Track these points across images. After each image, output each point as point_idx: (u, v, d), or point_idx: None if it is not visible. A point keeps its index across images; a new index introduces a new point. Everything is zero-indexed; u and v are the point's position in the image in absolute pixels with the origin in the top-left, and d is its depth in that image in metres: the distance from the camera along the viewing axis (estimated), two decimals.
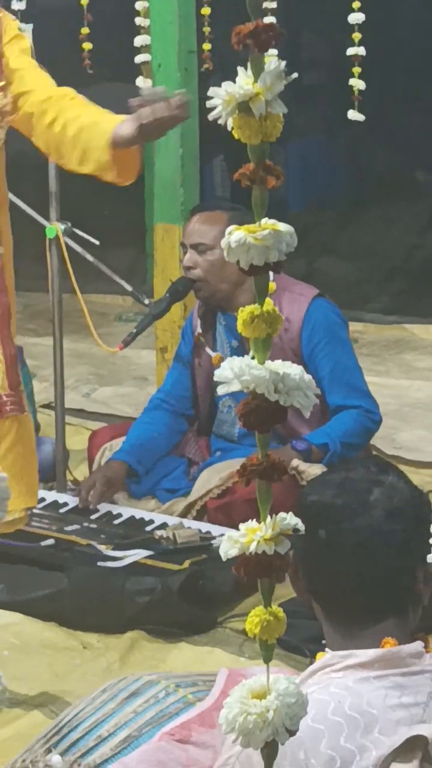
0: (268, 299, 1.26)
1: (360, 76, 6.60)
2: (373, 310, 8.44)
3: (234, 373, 1.22)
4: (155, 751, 3.07)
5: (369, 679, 2.73)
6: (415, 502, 2.86)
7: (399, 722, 2.69)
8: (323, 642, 2.90)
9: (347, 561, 2.81)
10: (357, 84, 6.59)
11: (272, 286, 5.08)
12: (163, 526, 5.12)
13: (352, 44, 6.58)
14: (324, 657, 2.78)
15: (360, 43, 6.58)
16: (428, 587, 2.84)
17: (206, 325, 5.52)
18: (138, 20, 6.62)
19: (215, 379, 1.25)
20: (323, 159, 9.00)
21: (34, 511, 5.27)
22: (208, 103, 1.22)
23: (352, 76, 6.60)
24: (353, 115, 6.65)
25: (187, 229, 5.49)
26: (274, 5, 6.96)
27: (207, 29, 7.34)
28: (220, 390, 1.21)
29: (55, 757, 3.07)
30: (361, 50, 6.58)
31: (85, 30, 7.05)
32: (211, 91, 1.22)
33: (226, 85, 1.21)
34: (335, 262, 8.69)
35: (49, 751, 3.12)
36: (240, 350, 5.12)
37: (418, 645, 2.78)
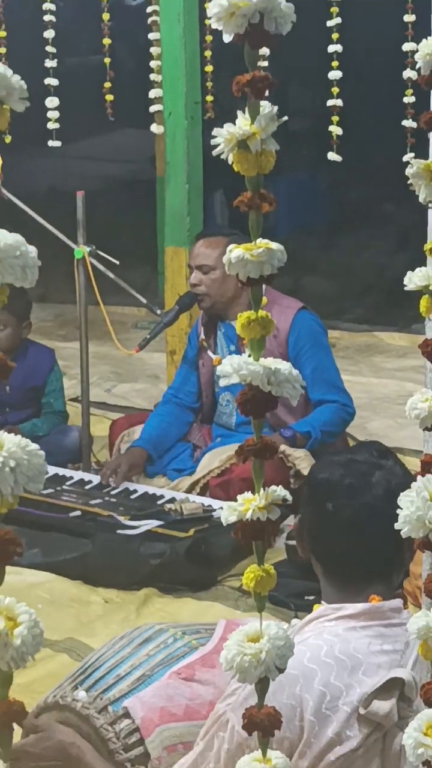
0: (267, 316, 1.26)
1: (338, 124, 6.61)
2: (348, 320, 8.45)
3: (234, 368, 1.22)
4: (165, 688, 3.06)
5: (356, 629, 2.72)
6: (408, 485, 2.86)
7: (380, 666, 2.69)
8: (305, 597, 2.91)
9: (348, 531, 2.81)
10: (335, 130, 6.60)
11: (264, 299, 5.06)
12: (172, 500, 5.11)
13: (332, 97, 6.59)
14: (319, 608, 2.78)
15: (338, 96, 6.59)
16: (410, 555, 2.84)
17: (208, 332, 5.53)
18: (152, 76, 6.62)
19: (218, 373, 1.25)
20: (307, 192, 8.98)
21: (64, 487, 5.28)
22: (213, 141, 1.22)
23: (332, 123, 6.61)
24: (332, 156, 6.65)
25: (192, 252, 5.50)
26: (265, 63, 6.97)
27: (209, 84, 7.33)
28: (222, 382, 1.21)
29: (81, 693, 3.06)
30: (338, 102, 6.59)
31: (107, 84, 7.05)
32: (216, 131, 1.22)
33: (228, 126, 1.21)
34: (317, 280, 8.67)
35: (75, 688, 3.10)
36: (237, 353, 5.11)
37: (397, 602, 2.78)
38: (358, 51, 6.65)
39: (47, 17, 6.85)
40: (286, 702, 2.55)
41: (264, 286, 1.29)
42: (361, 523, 2.83)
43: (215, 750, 2.56)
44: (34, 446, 1.05)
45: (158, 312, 6.07)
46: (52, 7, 6.82)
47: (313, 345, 5.31)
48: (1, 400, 5.91)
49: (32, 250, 1.03)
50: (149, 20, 6.73)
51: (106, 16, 7.04)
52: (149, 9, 6.69)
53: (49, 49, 6.83)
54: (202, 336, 5.53)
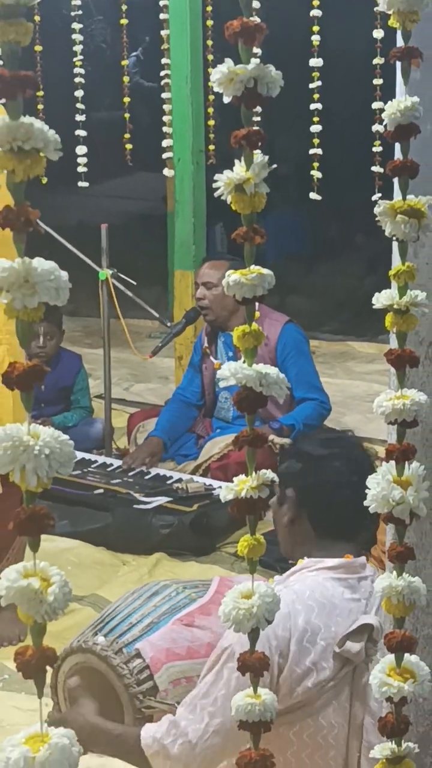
0: (258, 329, 1.26)
1: (318, 169, 6.62)
2: (326, 331, 8.44)
3: (231, 372, 1.22)
4: (169, 632, 3.07)
5: (333, 579, 2.74)
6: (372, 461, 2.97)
7: (351, 611, 2.69)
8: (289, 561, 2.91)
9: (340, 494, 2.85)
10: (316, 174, 6.60)
11: (257, 314, 5.08)
12: (179, 480, 5.11)
13: (313, 147, 6.58)
14: (303, 562, 2.79)
15: (318, 146, 6.58)
16: (375, 522, 2.86)
17: (211, 341, 5.55)
18: (164, 129, 6.62)
19: (218, 377, 1.25)
20: (291, 226, 8.96)
21: (89, 469, 5.28)
22: (215, 185, 1.22)
23: (313, 168, 6.61)
24: (313, 195, 6.64)
25: (199, 272, 5.52)
26: (258, 119, 6.97)
27: (212, 135, 7.32)
28: (221, 384, 1.22)
29: (100, 638, 3.06)
30: (319, 151, 6.58)
31: (127, 135, 7.04)
32: (217, 176, 1.22)
33: (227, 172, 1.21)
34: (299, 299, 8.65)
35: (95, 634, 3.10)
36: (234, 359, 5.11)
37: (363, 559, 2.81)
38: (335, 109, 6.63)
39: (77, 79, 6.86)
40: (280, 634, 2.57)
41: (257, 303, 1.29)
42: (350, 487, 2.89)
43: (225, 679, 2.54)
44: (65, 436, 1.05)
45: (168, 324, 6.10)
46: (82, 71, 6.83)
47: (297, 352, 5.35)
48: (38, 397, 5.85)
49: (64, 275, 1.03)
50: (162, 83, 6.73)
51: (126, 79, 7.04)
52: (162, 73, 6.69)
53: (79, 105, 6.84)
54: (206, 344, 5.56)
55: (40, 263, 1.01)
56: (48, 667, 1.07)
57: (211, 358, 5.52)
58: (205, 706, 2.56)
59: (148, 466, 5.33)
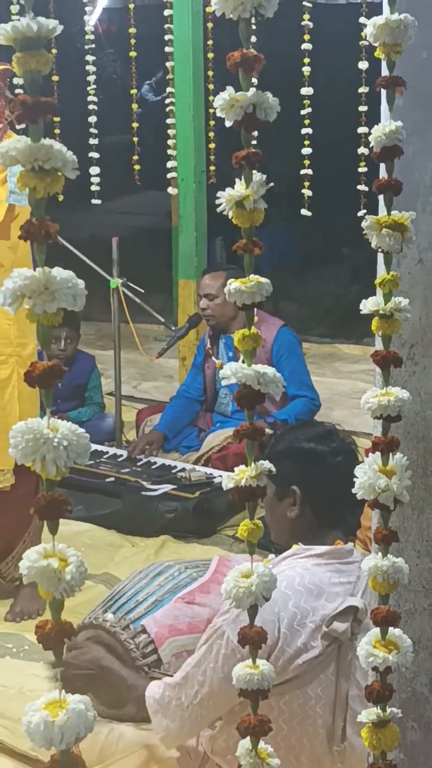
0: (256, 333, 1.26)
1: (309, 188, 6.60)
2: (315, 334, 8.44)
3: (232, 372, 1.22)
4: (172, 610, 3.08)
5: (321, 565, 2.73)
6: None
7: (338, 594, 2.69)
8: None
9: (343, 487, 2.85)
10: (307, 192, 6.59)
11: (255, 318, 5.10)
12: (183, 470, 5.11)
13: (304, 167, 6.58)
14: (294, 548, 2.78)
15: (309, 167, 6.58)
16: (361, 508, 2.87)
17: (213, 342, 5.56)
18: (169, 151, 6.61)
19: (220, 375, 1.26)
20: (285, 239, 8.98)
21: (102, 460, 5.28)
22: (217, 201, 1.22)
23: (304, 187, 6.60)
24: (304, 212, 6.63)
25: (201, 284, 5.54)
26: (255, 141, 6.97)
27: (212, 157, 7.32)
28: (223, 382, 1.22)
29: (109, 615, 3.07)
30: (309, 171, 6.58)
31: (135, 157, 7.04)
32: (219, 193, 1.21)
33: (228, 190, 1.21)
34: (291, 304, 8.66)
35: (105, 611, 3.12)
36: (234, 359, 5.14)
37: (350, 545, 2.81)
38: (324, 133, 6.64)
39: (90, 106, 6.86)
40: (267, 618, 2.56)
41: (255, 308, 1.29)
42: (349, 477, 2.90)
43: (214, 653, 2.58)
44: (81, 430, 1.05)
45: (173, 328, 6.11)
46: (95, 99, 6.84)
47: (290, 354, 5.36)
48: (55, 394, 5.89)
49: (80, 283, 1.03)
50: (167, 109, 6.72)
51: (134, 106, 7.04)
52: (167, 101, 6.68)
53: (92, 130, 6.83)
54: (208, 346, 5.57)
55: (58, 272, 1.01)
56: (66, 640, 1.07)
57: (213, 358, 5.53)
58: (196, 675, 2.62)
59: (147, 454, 5.34)
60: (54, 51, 6.46)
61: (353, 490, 1.42)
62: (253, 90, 1.18)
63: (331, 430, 3.08)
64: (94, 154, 6.78)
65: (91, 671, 2.94)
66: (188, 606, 3.10)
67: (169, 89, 6.67)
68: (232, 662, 2.58)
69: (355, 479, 1.41)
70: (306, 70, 6.49)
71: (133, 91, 7.04)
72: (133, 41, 6.89)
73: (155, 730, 2.73)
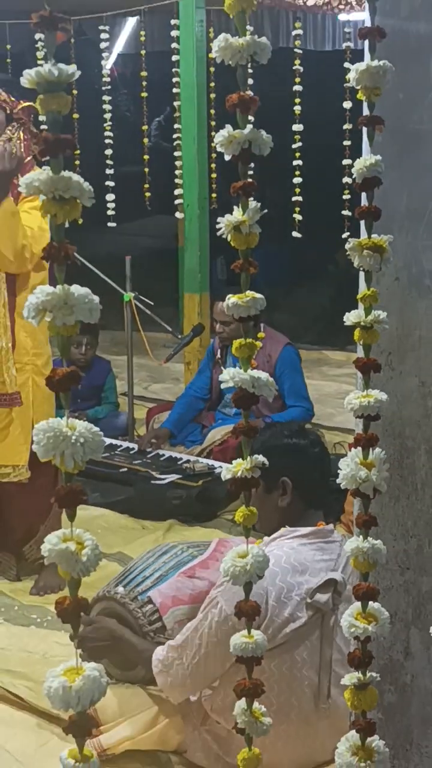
0: (252, 341, 1.25)
1: (299, 213, 6.61)
2: (304, 342, 8.40)
3: (230, 376, 1.21)
4: (175, 583, 3.10)
5: (305, 544, 2.74)
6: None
7: (320, 569, 2.70)
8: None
9: (320, 473, 2.90)
10: (297, 217, 6.60)
11: (262, 335, 5.27)
12: (187, 461, 5.10)
13: (295, 195, 6.59)
14: (280, 531, 2.79)
15: (299, 194, 6.59)
16: (342, 494, 2.93)
17: (223, 354, 5.56)
18: (176, 180, 6.61)
19: (220, 378, 1.25)
20: (278, 258, 8.94)
21: (116, 452, 5.28)
22: (217, 226, 1.22)
23: (294, 212, 6.61)
24: (295, 234, 6.65)
25: (216, 311, 5.47)
26: (251, 172, 6.99)
27: (214, 186, 7.33)
28: (222, 385, 1.22)
29: (120, 588, 3.09)
30: (299, 198, 6.59)
31: (146, 185, 7.05)
32: (219, 219, 1.21)
33: (228, 216, 1.20)
34: (283, 315, 8.63)
35: (117, 585, 3.14)
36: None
37: (330, 526, 2.82)
38: (312, 165, 6.64)
39: (107, 141, 6.87)
40: (256, 592, 2.57)
41: (263, 325, 1.28)
42: (323, 463, 2.96)
43: (209, 621, 2.64)
44: (96, 428, 1.05)
45: (179, 336, 6.11)
46: (110, 134, 6.85)
47: (292, 369, 5.39)
48: (75, 394, 5.91)
49: (95, 298, 1.03)
50: (174, 143, 6.73)
51: (145, 141, 7.05)
52: (174, 136, 6.69)
53: (108, 162, 6.84)
54: (219, 355, 5.59)
55: (76, 289, 1.01)
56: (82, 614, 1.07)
57: (222, 367, 5.54)
58: (194, 639, 2.67)
59: (154, 447, 5.33)
60: (74, 92, 6.48)
61: (338, 480, 1.42)
62: (249, 128, 1.18)
63: (302, 426, 3.14)
64: (110, 183, 6.80)
65: (106, 641, 2.96)
66: (189, 580, 3.12)
67: (176, 125, 6.68)
68: (225, 629, 2.62)
69: (339, 470, 1.41)
70: (297, 109, 6.53)
71: (144, 127, 7.04)
72: (144, 83, 6.91)
73: (161, 687, 2.77)
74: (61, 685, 1.04)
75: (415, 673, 1.78)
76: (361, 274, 1.40)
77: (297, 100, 6.53)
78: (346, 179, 6.41)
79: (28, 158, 3.83)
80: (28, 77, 0.98)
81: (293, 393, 5.30)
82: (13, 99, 3.88)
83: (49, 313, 1.00)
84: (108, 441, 5.20)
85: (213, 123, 7.01)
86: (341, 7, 5.65)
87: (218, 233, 1.23)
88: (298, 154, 6.55)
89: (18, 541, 4.16)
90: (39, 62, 0.87)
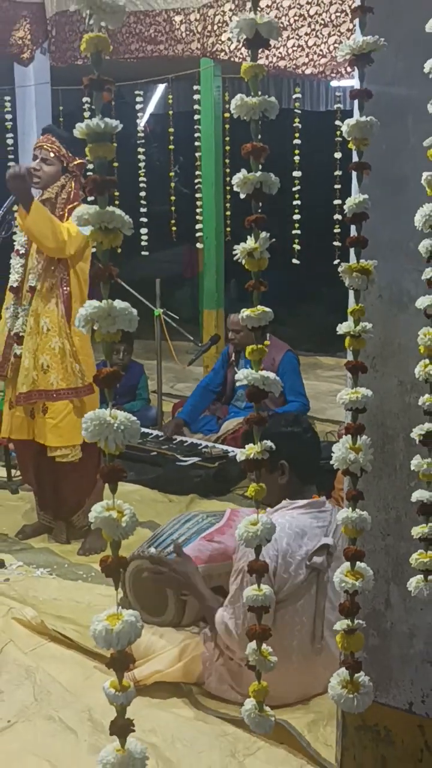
0: (262, 347, 1.25)
1: (297, 243, 6.60)
2: (303, 349, 8.35)
3: (244, 376, 1.21)
4: (197, 545, 3.09)
5: (303, 513, 2.74)
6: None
7: (316, 534, 2.70)
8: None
9: (313, 454, 2.89)
10: (296, 247, 6.59)
11: (267, 342, 5.22)
12: (206, 447, 5.11)
13: (294, 228, 6.58)
14: (282, 503, 2.79)
15: (298, 228, 6.58)
16: (333, 473, 2.93)
17: (236, 357, 5.56)
18: (197, 217, 6.62)
19: (236, 377, 1.25)
20: (280, 280, 8.93)
21: (148, 439, 5.28)
22: (233, 253, 1.22)
23: (294, 243, 6.60)
24: (295, 261, 6.64)
25: (230, 321, 5.48)
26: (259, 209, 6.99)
27: (229, 221, 7.32)
28: (237, 384, 1.21)
29: (152, 549, 3.08)
30: (298, 231, 6.57)
31: (173, 221, 7.05)
32: (235, 247, 1.21)
33: (242, 244, 1.20)
34: (286, 327, 8.57)
35: (149, 547, 3.13)
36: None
37: (323, 499, 2.82)
38: (309, 204, 6.63)
39: (141, 184, 6.87)
40: (272, 554, 2.58)
41: (269, 334, 1.28)
42: (315, 446, 2.96)
43: (241, 579, 2.63)
44: (134, 418, 1.05)
45: (199, 344, 6.11)
46: (144, 179, 6.85)
47: (292, 371, 5.36)
48: (114, 391, 5.93)
49: (134, 311, 1.03)
50: (196, 186, 6.73)
51: (172, 185, 7.05)
52: (196, 181, 6.69)
53: (142, 201, 6.84)
54: (233, 358, 5.58)
55: (118, 303, 1.01)
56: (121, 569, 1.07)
57: (235, 368, 5.55)
58: (235, 604, 2.66)
59: (172, 435, 5.32)
60: (115, 144, 6.48)
61: (331, 462, 1.41)
62: (260, 171, 1.17)
63: (297, 416, 3.13)
64: (143, 219, 6.79)
65: (181, 578, 2.93)
66: (209, 543, 3.11)
67: (197, 172, 6.68)
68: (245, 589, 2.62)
69: (332, 454, 1.40)
70: (296, 158, 6.52)
71: (171, 173, 7.04)
72: (171, 138, 6.91)
73: (230, 645, 2.74)
74: (104, 628, 1.04)
75: (394, 621, 1.77)
76: (351, 293, 1.40)
77: (296, 151, 6.53)
78: (336, 216, 6.41)
79: (76, 203, 3.85)
80: (80, 129, 0.98)
81: (293, 390, 5.28)
82: (70, 155, 3.89)
83: (95, 322, 1.00)
84: (141, 430, 5.22)
85: (227, 170, 7.01)
86: (333, 75, 5.63)
87: (234, 259, 1.23)
88: (297, 196, 6.54)
89: (68, 511, 4.17)
90: (86, 120, 0.87)
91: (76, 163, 3.91)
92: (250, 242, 1.19)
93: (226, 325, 5.74)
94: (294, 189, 6.49)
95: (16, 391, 3.89)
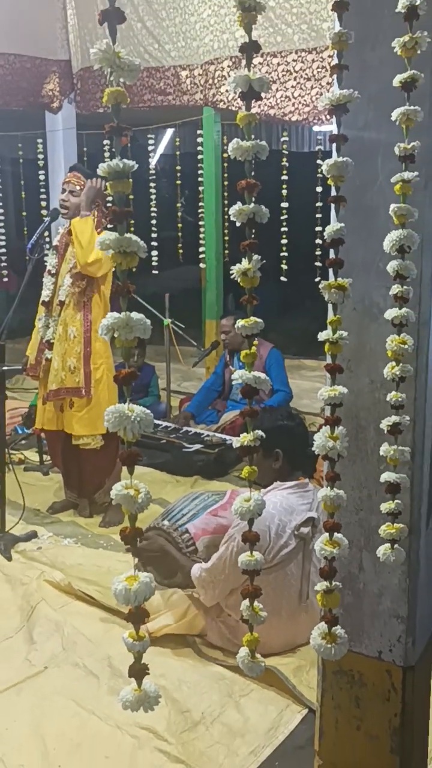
0: (254, 352, 1.25)
1: (285, 264, 6.59)
2: (289, 353, 8.29)
3: (239, 375, 1.21)
4: (204, 519, 3.09)
5: (292, 493, 2.73)
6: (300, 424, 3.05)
7: (302, 510, 2.70)
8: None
9: (302, 444, 2.86)
10: (284, 267, 6.57)
11: (256, 342, 5.19)
12: (208, 435, 5.10)
13: (282, 251, 6.57)
14: (273, 484, 2.78)
15: (285, 251, 6.56)
16: (315, 459, 2.93)
17: (230, 357, 5.57)
18: (200, 241, 6.60)
19: (232, 377, 1.25)
20: (270, 295, 8.93)
21: (158, 429, 5.29)
22: (230, 272, 1.22)
23: (282, 263, 6.59)
24: (282, 279, 6.62)
25: (221, 324, 5.54)
26: (253, 234, 6.95)
27: (227, 245, 7.30)
28: (234, 382, 1.22)
29: (165, 522, 3.08)
30: (285, 254, 6.56)
31: (179, 245, 7.04)
32: (232, 268, 1.21)
33: (238, 265, 1.20)
34: (275, 334, 8.50)
35: (162, 519, 3.12)
36: (242, 368, 5.14)
37: (306, 480, 2.82)
38: (294, 230, 6.61)
39: (152, 214, 6.85)
40: (262, 528, 2.57)
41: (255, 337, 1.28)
42: (305, 438, 2.90)
43: (229, 550, 2.61)
44: (148, 411, 1.05)
45: (201, 349, 6.09)
46: (155, 210, 6.83)
47: (277, 365, 5.36)
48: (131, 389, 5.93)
49: (148, 321, 1.03)
50: (199, 216, 6.72)
51: (179, 215, 7.04)
52: (199, 211, 6.68)
53: (153, 228, 6.82)
54: (227, 359, 5.59)
55: (135, 314, 1.01)
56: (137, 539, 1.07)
57: (230, 367, 5.54)
58: (219, 564, 2.69)
59: (182, 425, 5.31)
60: (131, 180, 6.46)
61: (313, 449, 1.41)
62: (253, 204, 1.18)
63: (290, 411, 3.12)
64: (154, 243, 6.78)
65: (157, 553, 2.96)
66: (214, 518, 3.11)
67: (200, 204, 6.68)
68: (240, 555, 2.61)
69: (313, 441, 1.41)
70: (284, 192, 6.50)
71: (178, 204, 7.03)
72: (178, 174, 6.90)
73: (199, 596, 2.75)
74: (123, 588, 1.04)
75: (366, 582, 1.77)
76: (330, 306, 1.40)
77: (284, 186, 6.51)
78: (318, 240, 6.39)
79: (99, 229, 3.87)
80: (102, 168, 0.98)
81: (278, 381, 5.28)
82: None
83: (115, 331, 1.00)
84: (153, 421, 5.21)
85: (226, 202, 6.99)
86: (315, 121, 5.63)
87: (231, 277, 1.23)
88: (284, 223, 6.52)
89: (91, 490, 4.18)
90: (106, 160, 0.86)
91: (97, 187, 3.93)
92: (244, 263, 1.20)
93: (218, 328, 5.75)
94: (282, 218, 6.48)
95: (47, 389, 3.91)
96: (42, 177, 6.98)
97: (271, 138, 8.18)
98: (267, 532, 2.61)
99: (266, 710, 2.47)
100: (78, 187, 3.89)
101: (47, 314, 3.95)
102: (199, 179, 6.64)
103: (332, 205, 1.39)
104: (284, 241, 6.55)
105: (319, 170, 6.25)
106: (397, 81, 1.33)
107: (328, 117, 1.40)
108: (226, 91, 6.00)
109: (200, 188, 6.67)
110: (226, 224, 7.19)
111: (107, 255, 1.00)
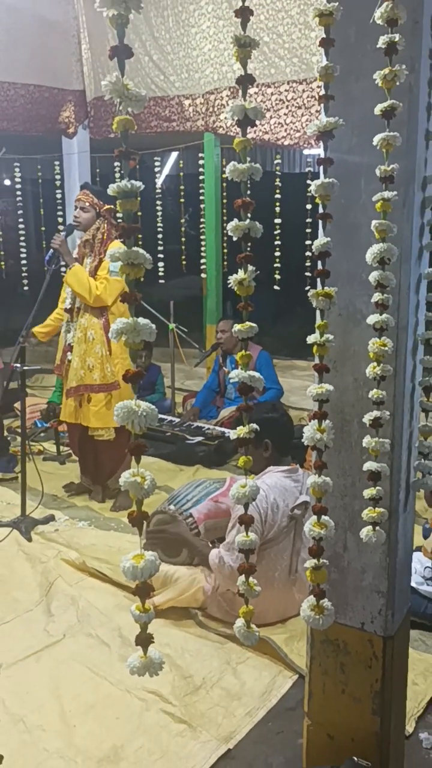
0: (250, 353, 1.25)
1: (278, 275, 6.57)
2: (281, 355, 8.32)
3: (235, 375, 1.21)
4: (207, 505, 3.08)
5: (284, 477, 2.73)
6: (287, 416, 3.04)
7: (293, 493, 2.69)
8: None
9: (289, 434, 2.85)
10: (277, 277, 6.55)
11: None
12: (208, 429, 5.10)
13: (276, 263, 6.56)
14: (266, 469, 2.78)
15: (278, 263, 6.55)
16: (305, 449, 2.91)
17: (224, 359, 5.54)
18: (201, 253, 6.59)
19: (229, 377, 1.25)
20: (264, 302, 8.92)
21: (164, 423, 5.28)
22: (228, 281, 1.22)
23: (275, 273, 6.57)
24: (276, 287, 6.60)
25: (218, 327, 5.50)
26: (248, 248, 6.94)
27: (225, 258, 7.30)
28: (230, 381, 1.21)
29: (171, 506, 3.06)
30: (278, 265, 6.55)
31: (183, 257, 7.02)
32: (229, 278, 1.21)
33: (234, 275, 1.20)
34: (268, 338, 8.56)
35: (168, 504, 3.11)
36: (236, 368, 5.11)
37: (297, 466, 2.81)
38: (286, 244, 6.61)
39: (158, 229, 6.83)
40: (260, 507, 2.57)
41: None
42: (291, 427, 2.89)
43: (236, 528, 2.61)
44: (153, 407, 1.05)
45: (202, 351, 6.07)
46: (161, 226, 6.80)
47: (266, 365, 5.32)
48: (138, 387, 5.93)
49: (153, 326, 1.03)
50: (200, 230, 6.71)
51: (183, 230, 7.02)
52: (200, 226, 6.67)
53: (159, 242, 6.81)
54: (221, 361, 5.56)
55: (142, 320, 1.01)
56: (144, 522, 1.07)
57: (224, 368, 5.52)
58: (230, 547, 2.66)
59: (192, 420, 5.30)
60: (139, 198, 6.44)
61: (302, 440, 1.41)
62: (248, 220, 1.18)
63: (275, 405, 3.11)
64: (160, 255, 6.77)
65: (177, 538, 2.94)
66: (215, 503, 3.10)
67: (201, 220, 6.67)
68: (238, 536, 2.61)
69: (303, 434, 1.41)
70: (277, 209, 6.49)
71: (182, 220, 7.02)
72: (182, 193, 6.89)
73: (220, 580, 2.73)
74: (131, 565, 1.05)
75: (350, 560, 1.78)
76: (318, 312, 1.40)
77: (277, 204, 6.50)
78: (307, 253, 6.39)
79: (108, 240, 3.89)
80: (112, 189, 0.98)
81: (269, 380, 5.25)
82: (101, 202, 3.95)
83: (124, 335, 1.01)
84: (159, 416, 5.20)
85: (224, 218, 6.98)
86: (305, 145, 5.63)
87: (228, 286, 1.23)
88: (277, 238, 6.52)
89: (104, 477, 4.18)
90: (117, 180, 0.86)
91: (105, 208, 3.96)
92: (240, 274, 1.20)
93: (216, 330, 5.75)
94: (275, 233, 6.47)
95: (68, 386, 3.95)
96: (59, 196, 6.98)
97: (266, 160, 8.17)
98: (264, 511, 2.62)
99: (260, 676, 2.47)
100: (87, 203, 3.94)
101: (69, 320, 4.00)
102: (201, 198, 6.63)
103: (320, 222, 1.39)
104: (277, 254, 6.55)
105: (309, 190, 6.25)
106: (378, 110, 1.33)
107: (316, 142, 1.40)
108: (225, 118, 6.00)
109: (202, 206, 6.66)
110: (225, 238, 7.16)
111: (110, 278, 1.00)
